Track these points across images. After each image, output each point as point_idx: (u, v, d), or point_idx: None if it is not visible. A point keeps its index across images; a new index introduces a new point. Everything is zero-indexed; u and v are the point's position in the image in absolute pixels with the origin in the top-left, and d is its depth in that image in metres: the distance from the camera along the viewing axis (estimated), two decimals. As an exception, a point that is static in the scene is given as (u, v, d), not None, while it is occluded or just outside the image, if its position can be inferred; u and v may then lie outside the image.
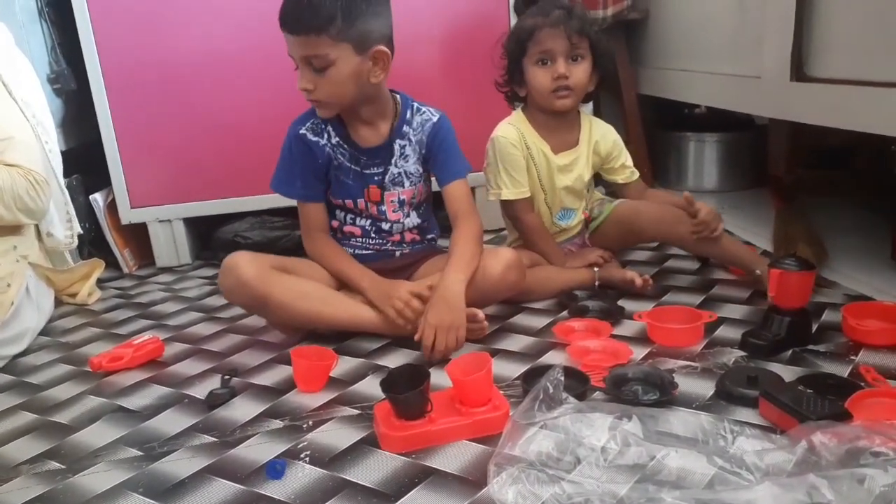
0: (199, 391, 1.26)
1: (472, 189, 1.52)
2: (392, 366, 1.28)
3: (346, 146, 1.45)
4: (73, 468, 1.04)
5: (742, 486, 0.84)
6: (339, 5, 1.27)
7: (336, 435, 1.07)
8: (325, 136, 1.45)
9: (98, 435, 1.14)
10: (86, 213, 2.00)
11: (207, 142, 2.01)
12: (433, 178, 1.54)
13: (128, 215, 2.04)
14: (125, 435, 1.13)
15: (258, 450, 1.05)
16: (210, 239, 2.13)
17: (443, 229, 1.63)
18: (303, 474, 0.98)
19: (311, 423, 1.11)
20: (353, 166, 1.46)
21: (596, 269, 1.58)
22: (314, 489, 0.94)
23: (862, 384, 1.07)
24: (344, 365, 1.31)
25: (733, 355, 1.23)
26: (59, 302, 1.79)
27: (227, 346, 1.47)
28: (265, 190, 1.52)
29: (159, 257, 2.11)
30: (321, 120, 1.45)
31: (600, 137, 1.66)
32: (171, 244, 2.10)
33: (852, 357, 1.18)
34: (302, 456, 1.02)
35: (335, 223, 1.53)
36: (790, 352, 1.21)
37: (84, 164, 2.01)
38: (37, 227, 1.67)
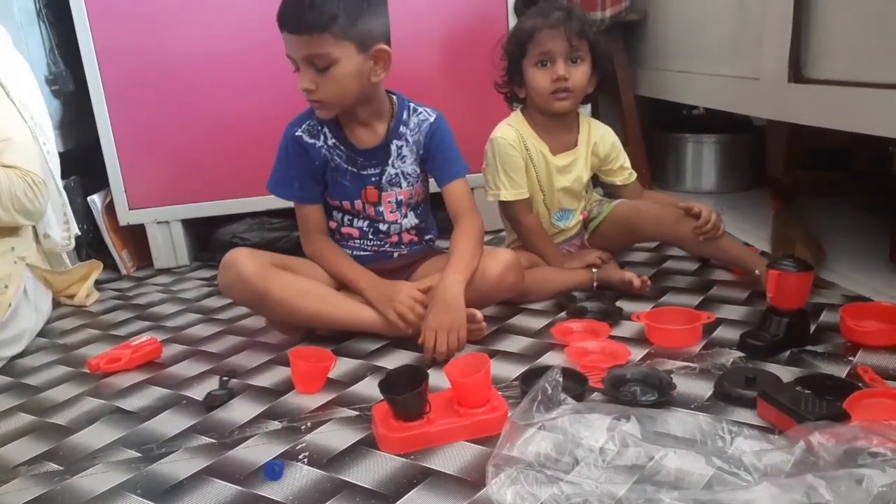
0: (198, 392, 1.25)
1: (472, 190, 1.52)
2: (390, 367, 1.27)
3: (342, 147, 1.45)
4: (71, 469, 1.04)
5: (740, 486, 0.84)
6: (341, 3, 1.27)
7: (334, 436, 1.07)
8: (322, 137, 1.45)
9: (96, 436, 1.14)
10: (84, 215, 2.00)
11: (206, 143, 2.01)
12: (431, 179, 1.54)
13: (126, 217, 2.04)
14: (123, 436, 1.13)
15: (256, 451, 1.05)
16: (208, 240, 2.13)
17: (442, 230, 1.63)
18: (301, 475, 0.98)
19: (309, 424, 1.11)
20: (349, 167, 1.46)
21: (594, 270, 1.58)
22: (312, 490, 0.94)
23: (860, 385, 1.07)
24: (342, 366, 1.31)
25: (731, 356, 1.23)
26: (57, 303, 1.79)
27: (225, 347, 1.47)
28: (263, 191, 1.52)
29: (157, 259, 2.10)
30: (317, 121, 1.45)
31: (599, 139, 1.67)
32: (169, 245, 2.09)
33: (850, 358, 1.19)
34: (300, 457, 1.02)
35: (333, 224, 1.53)
36: (788, 352, 1.21)
37: (82, 165, 2.01)
38: (34, 228, 1.67)
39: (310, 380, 1.23)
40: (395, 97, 1.48)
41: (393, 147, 1.47)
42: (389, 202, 1.49)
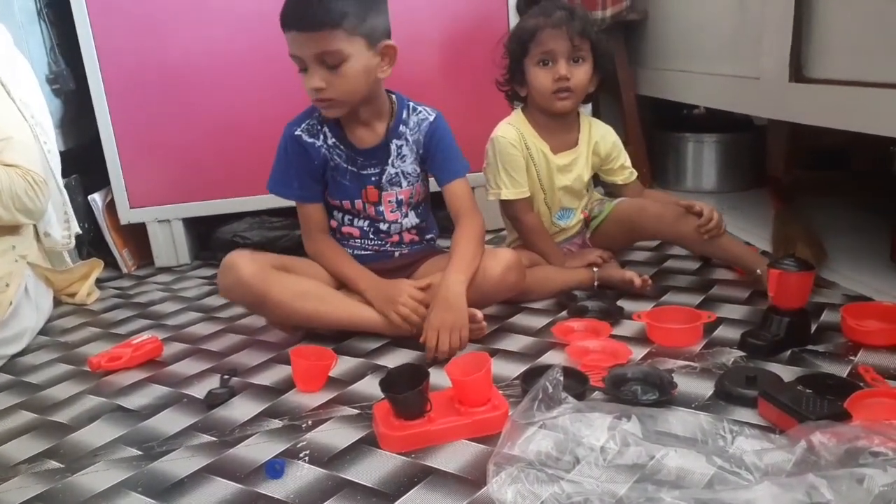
0: (198, 391, 1.26)
1: (472, 189, 1.52)
2: (391, 365, 1.27)
3: (342, 147, 1.45)
4: (72, 467, 1.04)
5: (741, 485, 0.84)
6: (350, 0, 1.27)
7: (335, 434, 1.07)
8: (321, 137, 1.45)
9: (97, 434, 1.14)
10: (85, 213, 2.00)
11: (206, 142, 2.01)
12: (431, 178, 1.54)
13: (127, 215, 2.04)
14: (124, 434, 1.13)
15: (257, 449, 1.05)
16: (209, 239, 2.13)
17: (443, 229, 1.63)
18: (302, 474, 0.98)
19: (310, 422, 1.11)
20: (349, 167, 1.46)
21: (595, 269, 1.58)
22: (313, 488, 0.94)
23: (861, 384, 1.07)
24: (343, 365, 1.31)
25: (732, 355, 1.23)
26: (57, 302, 1.79)
27: (226, 345, 1.47)
28: (264, 190, 1.52)
29: (158, 257, 2.10)
30: (317, 121, 1.45)
31: (600, 138, 1.67)
32: (170, 244, 2.09)
33: (851, 357, 1.19)
34: (301, 455, 1.02)
35: (333, 223, 1.53)
36: (789, 352, 1.21)
37: (83, 164, 2.01)
38: (35, 227, 1.67)
39: (310, 378, 1.23)
40: (394, 96, 1.48)
41: (393, 146, 1.46)
42: (390, 202, 1.49)
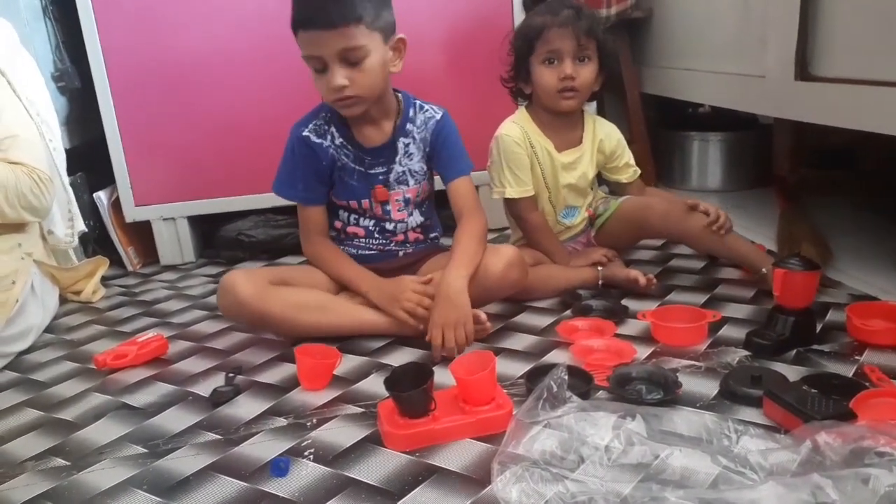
0: (204, 389, 1.26)
1: (476, 188, 1.52)
2: (396, 364, 1.28)
3: (350, 147, 1.45)
4: (77, 465, 1.05)
5: (746, 485, 0.84)
6: None
7: (340, 433, 1.07)
8: (329, 137, 1.45)
9: (102, 432, 1.14)
10: (90, 211, 2.00)
11: (211, 140, 2.01)
12: (436, 177, 1.54)
13: (132, 213, 2.05)
14: (129, 432, 1.13)
15: (262, 447, 1.05)
16: (214, 237, 2.13)
17: (446, 228, 1.63)
18: (306, 472, 0.98)
19: (314, 420, 1.12)
20: (357, 167, 1.46)
21: (600, 268, 1.58)
22: (318, 487, 0.94)
23: (867, 384, 1.07)
24: (348, 363, 1.31)
25: (737, 355, 1.22)
26: (63, 299, 1.80)
27: (231, 343, 1.47)
28: (269, 188, 1.52)
29: (163, 255, 2.11)
30: (324, 121, 1.45)
31: (604, 136, 1.67)
32: (175, 242, 2.10)
33: (857, 357, 1.18)
34: (306, 454, 1.02)
35: (338, 224, 1.53)
36: (794, 351, 1.21)
37: (88, 162, 2.01)
38: (40, 225, 1.67)
39: (315, 376, 1.23)
40: (400, 95, 1.48)
41: (400, 145, 1.46)
42: (397, 200, 1.49)
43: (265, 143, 1.90)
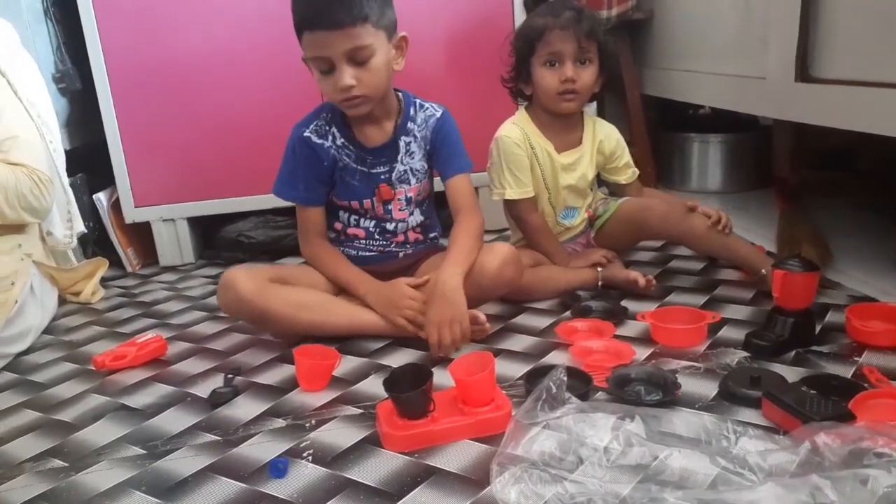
0: (202, 390, 1.26)
1: (476, 189, 1.52)
2: (395, 365, 1.28)
3: (351, 147, 1.45)
4: (76, 466, 1.05)
5: (745, 486, 0.84)
6: None
7: (339, 434, 1.07)
8: (330, 137, 1.45)
9: (101, 433, 1.14)
10: (90, 213, 2.01)
11: (211, 141, 2.01)
12: (435, 177, 1.54)
13: (132, 214, 2.05)
14: (128, 433, 1.13)
15: (261, 448, 1.05)
16: (213, 238, 2.14)
17: (445, 229, 1.62)
18: (305, 473, 0.98)
19: (313, 422, 1.11)
20: (359, 167, 1.46)
21: (599, 269, 1.58)
22: (317, 488, 0.94)
23: (865, 385, 1.07)
24: (347, 364, 1.31)
25: (736, 356, 1.22)
26: (62, 300, 1.80)
27: (229, 344, 1.47)
28: (268, 189, 1.52)
29: (163, 256, 2.11)
30: (325, 122, 1.45)
31: (604, 137, 1.67)
32: (174, 243, 2.10)
33: (856, 358, 1.18)
34: (304, 455, 1.02)
35: (339, 225, 1.53)
36: (794, 353, 1.21)
37: (88, 163, 2.01)
38: (39, 225, 1.67)
39: (314, 377, 1.23)
40: (400, 94, 1.48)
41: (401, 143, 1.46)
42: (399, 199, 1.49)
43: (265, 143, 1.90)
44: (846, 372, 1.14)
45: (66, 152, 1.81)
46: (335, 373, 1.26)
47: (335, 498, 0.92)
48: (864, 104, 1.37)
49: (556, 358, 1.28)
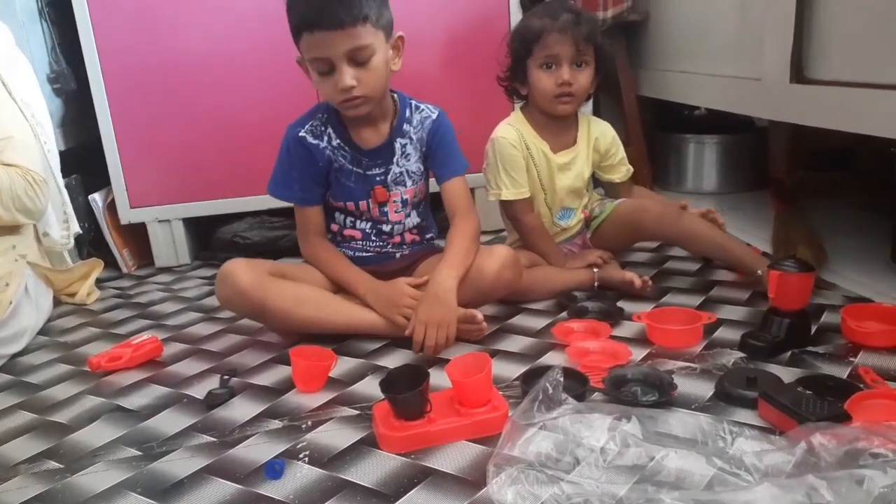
0: (198, 391, 1.25)
1: (472, 190, 1.52)
2: (391, 366, 1.27)
3: (346, 148, 1.45)
4: (71, 468, 1.04)
5: (741, 486, 0.84)
6: None
7: (335, 435, 1.07)
8: (326, 138, 1.44)
9: (97, 434, 1.14)
10: (85, 213, 2.00)
11: (207, 142, 2.01)
12: (431, 179, 1.54)
13: (127, 215, 2.04)
14: (124, 435, 1.13)
15: (257, 450, 1.05)
16: (209, 239, 2.13)
17: (441, 230, 1.62)
18: (301, 474, 0.98)
19: (310, 423, 1.11)
20: (354, 168, 1.46)
21: (595, 269, 1.58)
22: (313, 489, 0.94)
23: (861, 386, 1.07)
24: (343, 365, 1.31)
25: (732, 356, 1.22)
26: (57, 301, 1.79)
27: (225, 346, 1.47)
28: (264, 190, 1.51)
29: (158, 257, 2.10)
30: (321, 122, 1.44)
31: (599, 135, 1.67)
32: (170, 244, 2.09)
33: (851, 359, 1.18)
34: (301, 456, 1.02)
35: (335, 227, 1.53)
36: (789, 353, 1.21)
37: (83, 163, 2.01)
38: (35, 226, 1.67)
39: (310, 379, 1.23)
40: (395, 95, 1.48)
41: (397, 145, 1.46)
42: (395, 201, 1.49)
43: (261, 144, 1.90)
44: (842, 372, 1.14)
45: (61, 153, 1.81)
46: (331, 374, 1.26)
47: (332, 499, 0.91)
48: (859, 105, 1.37)
49: (552, 359, 1.28)
